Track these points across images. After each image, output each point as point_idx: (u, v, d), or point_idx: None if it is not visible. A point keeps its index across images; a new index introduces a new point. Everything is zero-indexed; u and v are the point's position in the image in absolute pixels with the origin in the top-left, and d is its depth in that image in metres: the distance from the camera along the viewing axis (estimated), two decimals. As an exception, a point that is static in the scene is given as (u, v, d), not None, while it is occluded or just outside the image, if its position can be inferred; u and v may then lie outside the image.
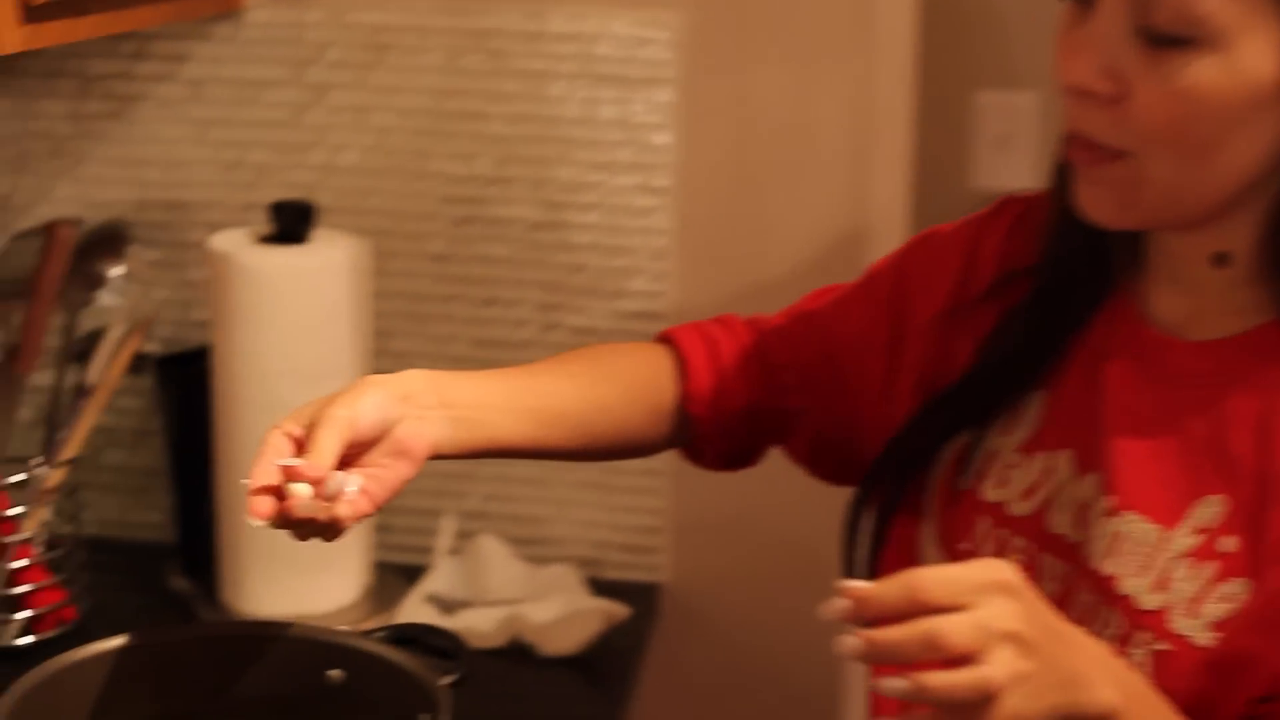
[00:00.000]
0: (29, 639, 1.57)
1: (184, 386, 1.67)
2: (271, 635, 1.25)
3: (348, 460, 1.11)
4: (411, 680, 1.20)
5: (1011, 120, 1.97)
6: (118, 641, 1.21)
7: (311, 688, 1.24)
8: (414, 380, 1.17)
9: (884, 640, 0.88)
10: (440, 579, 1.70)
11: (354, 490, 1.09)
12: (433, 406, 1.16)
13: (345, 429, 1.10)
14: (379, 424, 1.13)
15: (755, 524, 1.78)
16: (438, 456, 1.17)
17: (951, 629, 0.88)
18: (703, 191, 1.73)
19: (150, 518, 1.81)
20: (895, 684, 0.88)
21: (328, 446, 1.09)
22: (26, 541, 1.56)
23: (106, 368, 1.61)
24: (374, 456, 1.13)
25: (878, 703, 1.20)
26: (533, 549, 1.79)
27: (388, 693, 1.21)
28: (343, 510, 1.08)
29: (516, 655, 1.62)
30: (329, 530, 1.09)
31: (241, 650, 1.25)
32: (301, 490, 1.06)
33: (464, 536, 1.76)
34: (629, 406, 1.28)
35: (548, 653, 1.61)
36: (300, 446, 1.11)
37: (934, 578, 0.89)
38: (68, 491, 1.61)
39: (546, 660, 1.61)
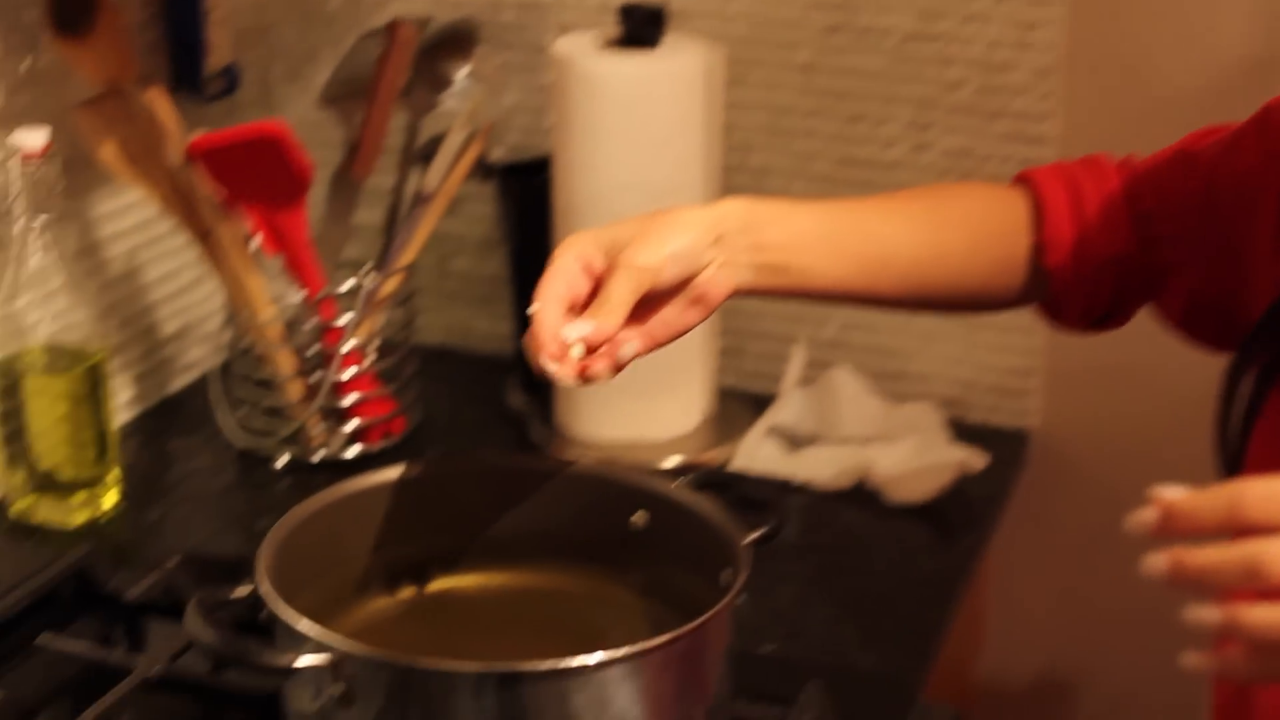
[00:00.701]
0: (356, 450, 1.53)
1: (528, 196, 1.59)
2: (576, 472, 1.17)
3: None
4: (715, 533, 1.10)
5: None
6: (415, 468, 1.15)
7: (613, 530, 1.16)
8: (729, 217, 1.06)
9: (1195, 563, 0.73)
10: (788, 411, 1.59)
11: (630, 350, 1.02)
12: (744, 249, 1.07)
13: (646, 281, 1.02)
14: (684, 273, 1.04)
15: (1139, 371, 1.61)
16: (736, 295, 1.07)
17: (1278, 556, 0.73)
18: (1098, 4, 1.55)
19: (495, 328, 1.75)
20: (1204, 614, 0.74)
21: (621, 301, 1.00)
22: (356, 351, 1.51)
23: (447, 174, 1.54)
24: (666, 302, 1.04)
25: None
26: (891, 384, 1.66)
27: (691, 543, 1.12)
28: (607, 377, 1.01)
29: (861, 499, 1.51)
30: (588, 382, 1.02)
31: (545, 485, 1.17)
32: (575, 354, 1.00)
33: (817, 367, 1.65)
34: (972, 255, 1.14)
35: (895, 500, 1.50)
36: (592, 277, 1.03)
37: (1263, 491, 0.74)
38: (402, 299, 1.55)
39: (894, 507, 1.49)
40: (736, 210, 1.07)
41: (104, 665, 1.16)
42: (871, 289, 1.12)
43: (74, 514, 1.41)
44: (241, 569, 1.27)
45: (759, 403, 1.62)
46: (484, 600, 1.16)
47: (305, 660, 0.95)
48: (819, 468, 1.53)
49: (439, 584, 1.16)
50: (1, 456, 1.41)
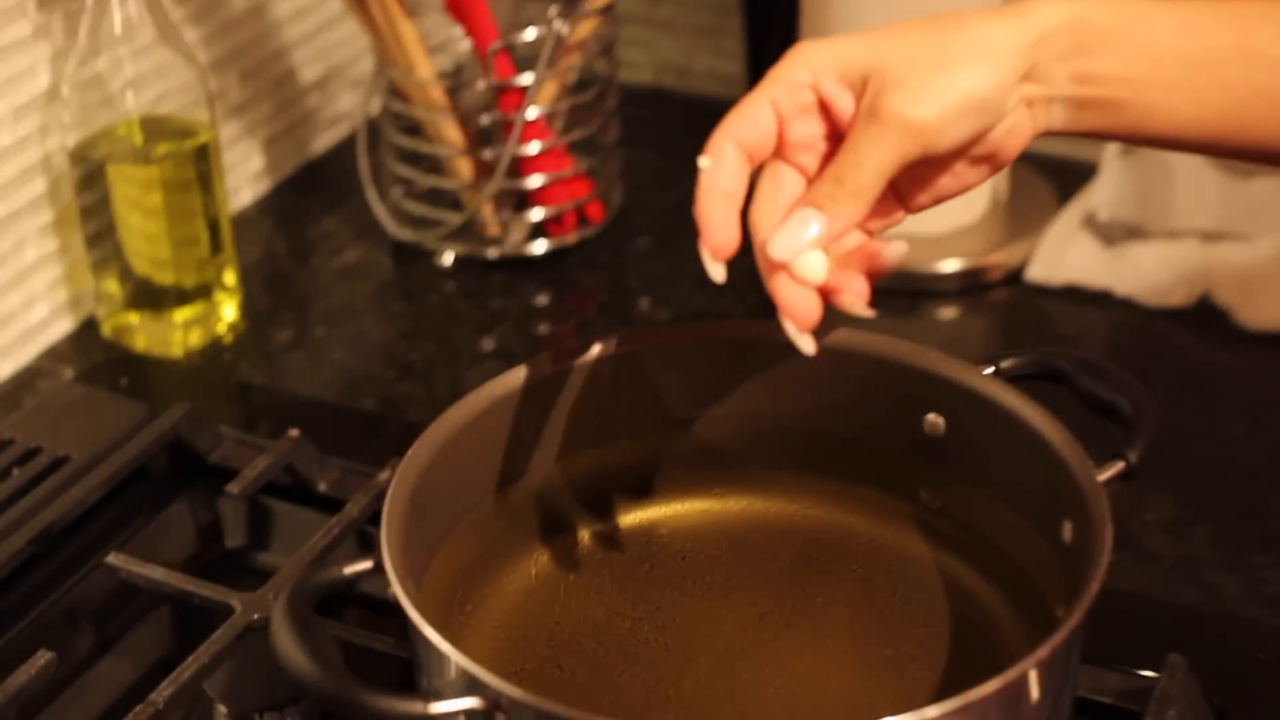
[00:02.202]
0: (543, 245, 1.19)
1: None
2: (837, 350, 0.82)
3: None
4: (1050, 459, 0.76)
5: None
6: (593, 351, 0.82)
7: (896, 431, 0.82)
8: (1052, 38, 0.72)
9: None
10: (1105, 193, 1.22)
11: (895, 256, 0.74)
12: (1064, 81, 0.73)
13: (916, 149, 0.71)
14: (975, 132, 0.72)
15: None
16: None
17: None
18: None
19: (720, 67, 1.41)
20: None
21: (873, 180, 0.71)
22: (542, 118, 1.16)
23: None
24: (937, 159, 0.73)
25: None
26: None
27: (1011, 470, 0.78)
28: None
29: (1204, 321, 1.14)
30: None
31: (791, 366, 0.83)
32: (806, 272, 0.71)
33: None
34: None
35: (1250, 323, 1.13)
36: (822, 114, 0.73)
37: None
38: (602, 48, 1.20)
39: (1249, 334, 1.13)
40: (1061, 23, 0.72)
41: (192, 602, 0.85)
42: (1239, 138, 0.75)
43: (180, 337, 1.10)
44: (385, 431, 0.97)
45: (1065, 177, 1.26)
46: (699, 546, 0.82)
47: (446, 706, 0.63)
48: (1146, 275, 1.17)
49: (635, 516, 0.83)
50: (86, 262, 1.09)
